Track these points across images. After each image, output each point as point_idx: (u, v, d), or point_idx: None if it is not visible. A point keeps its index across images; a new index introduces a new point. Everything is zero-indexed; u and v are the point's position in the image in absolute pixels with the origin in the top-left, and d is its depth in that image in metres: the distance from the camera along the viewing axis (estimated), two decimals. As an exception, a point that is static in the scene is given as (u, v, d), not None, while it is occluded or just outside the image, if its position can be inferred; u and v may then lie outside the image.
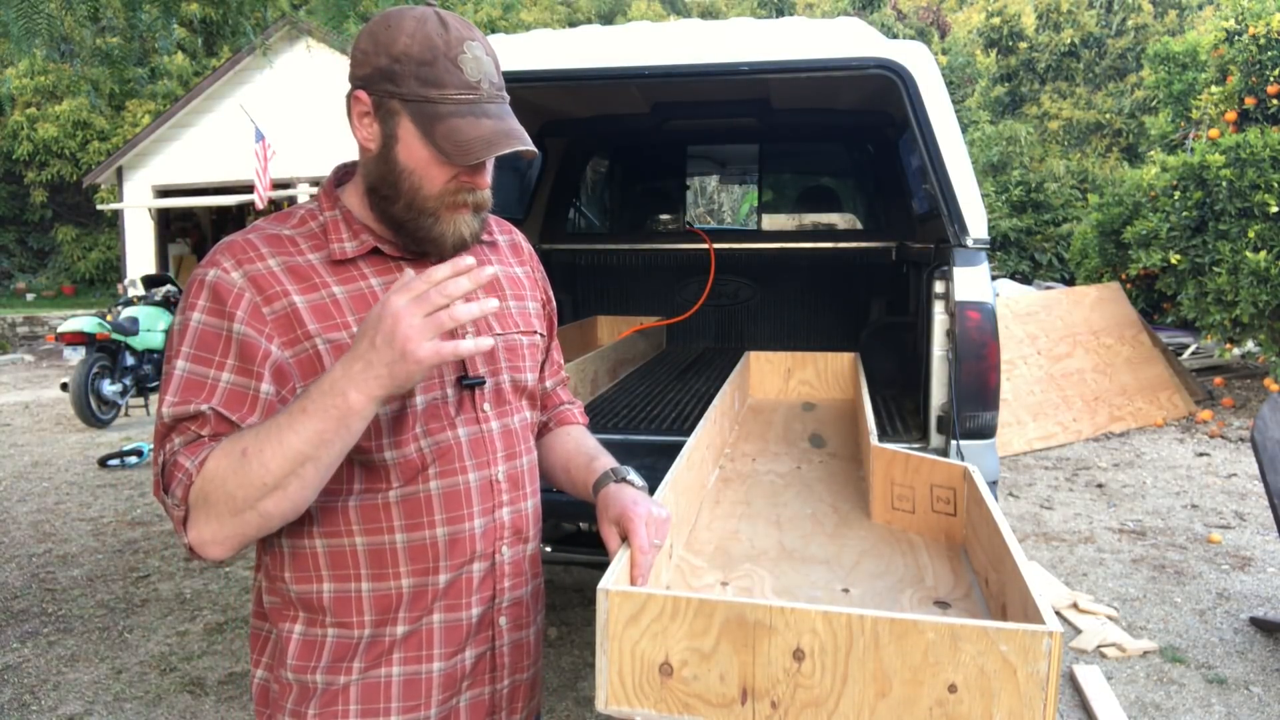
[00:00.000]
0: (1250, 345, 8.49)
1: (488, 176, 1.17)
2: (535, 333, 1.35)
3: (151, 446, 7.17)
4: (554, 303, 1.47)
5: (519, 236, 1.44)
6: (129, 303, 8.77)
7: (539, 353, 1.36)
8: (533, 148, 1.14)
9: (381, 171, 1.15)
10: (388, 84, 1.12)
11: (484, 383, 1.23)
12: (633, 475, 1.30)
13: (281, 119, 14.03)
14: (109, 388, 7.90)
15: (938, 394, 2.66)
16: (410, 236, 1.18)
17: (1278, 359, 7.54)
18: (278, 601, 1.20)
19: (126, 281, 12.81)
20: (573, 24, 21.82)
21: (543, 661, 1.39)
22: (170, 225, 17.14)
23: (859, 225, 5.15)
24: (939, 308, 2.64)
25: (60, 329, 7.84)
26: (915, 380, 3.08)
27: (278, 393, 1.11)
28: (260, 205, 12.76)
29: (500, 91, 1.15)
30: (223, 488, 1.03)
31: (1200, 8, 18.57)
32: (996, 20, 19.16)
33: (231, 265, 1.12)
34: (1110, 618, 3.81)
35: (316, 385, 1.03)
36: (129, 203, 15.96)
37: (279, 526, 1.08)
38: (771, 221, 5.49)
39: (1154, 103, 13.17)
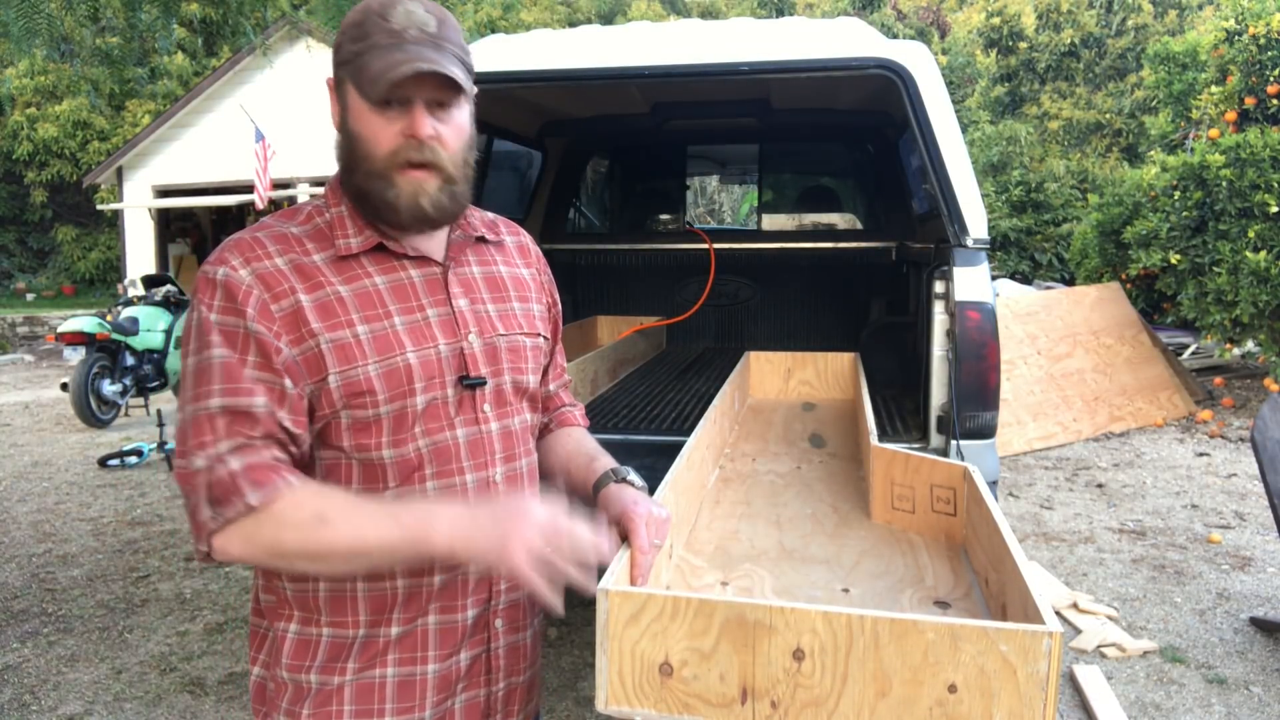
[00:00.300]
0: (1250, 345, 8.49)
1: (426, 125, 1.12)
2: (538, 335, 1.34)
3: (152, 446, 7.12)
4: (559, 306, 1.46)
5: (528, 239, 1.43)
6: (129, 303, 8.76)
7: (541, 355, 1.35)
8: (452, 74, 1.11)
9: (343, 145, 1.17)
10: (335, 57, 1.16)
11: (485, 383, 1.22)
12: (633, 475, 1.30)
13: (281, 119, 14.03)
14: (109, 388, 7.90)
15: (938, 394, 2.66)
16: (373, 208, 1.17)
17: (1278, 359, 7.54)
18: (273, 600, 1.20)
19: (126, 281, 12.81)
20: (573, 24, 21.82)
21: (541, 663, 1.38)
22: (170, 225, 17.15)
23: (859, 225, 5.15)
24: (939, 308, 2.64)
25: (60, 329, 7.83)
26: (915, 380, 3.08)
27: (298, 390, 1.12)
28: (260, 205, 12.76)
29: (435, 40, 1.12)
30: (277, 534, 1.06)
31: (1200, 8, 18.57)
32: (996, 20, 19.15)
33: (240, 263, 1.12)
34: (1110, 618, 3.81)
35: (423, 506, 1.10)
36: (129, 203, 15.96)
37: None
38: (771, 221, 5.49)
39: (1154, 103, 13.17)
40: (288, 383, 1.10)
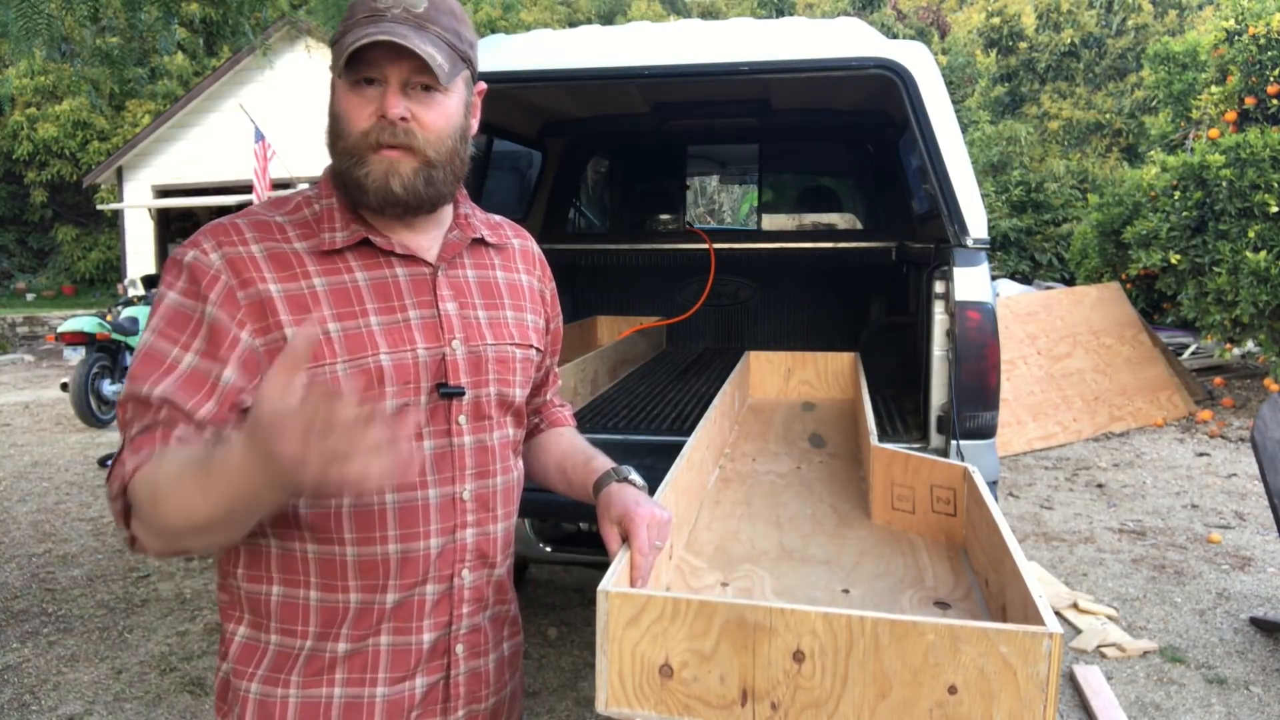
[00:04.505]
0: (1250, 345, 8.49)
1: (396, 105, 1.09)
2: (530, 346, 1.28)
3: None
4: (560, 319, 1.41)
5: (534, 246, 1.37)
6: (129, 303, 8.76)
7: (532, 368, 1.29)
8: (421, 50, 1.06)
9: (328, 128, 1.15)
10: (332, 45, 1.15)
11: (463, 394, 1.17)
12: (634, 475, 1.28)
13: (281, 119, 14.03)
14: (109, 388, 7.90)
15: (938, 394, 2.66)
16: (348, 190, 1.14)
17: (1278, 359, 7.54)
18: (227, 599, 1.17)
19: (126, 281, 12.80)
20: (573, 24, 21.82)
21: (517, 689, 1.32)
22: (170, 225, 17.13)
23: (859, 225, 5.15)
24: (939, 308, 2.64)
25: (60, 329, 7.84)
26: (915, 380, 3.07)
27: (243, 382, 1.06)
28: (260, 205, 12.76)
29: (419, 19, 1.09)
30: (146, 509, 0.98)
31: (1200, 8, 18.58)
32: (996, 20, 19.17)
33: (211, 246, 1.10)
34: (1110, 618, 3.81)
35: (231, 449, 0.87)
36: (129, 203, 15.96)
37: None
38: (771, 221, 5.48)
39: (1154, 103, 13.17)
40: (226, 373, 1.05)
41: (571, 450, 1.38)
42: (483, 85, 1.23)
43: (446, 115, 1.13)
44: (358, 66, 1.09)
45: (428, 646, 1.16)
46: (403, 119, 1.09)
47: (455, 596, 1.18)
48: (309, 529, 1.11)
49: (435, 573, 1.16)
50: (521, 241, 1.35)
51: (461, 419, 1.18)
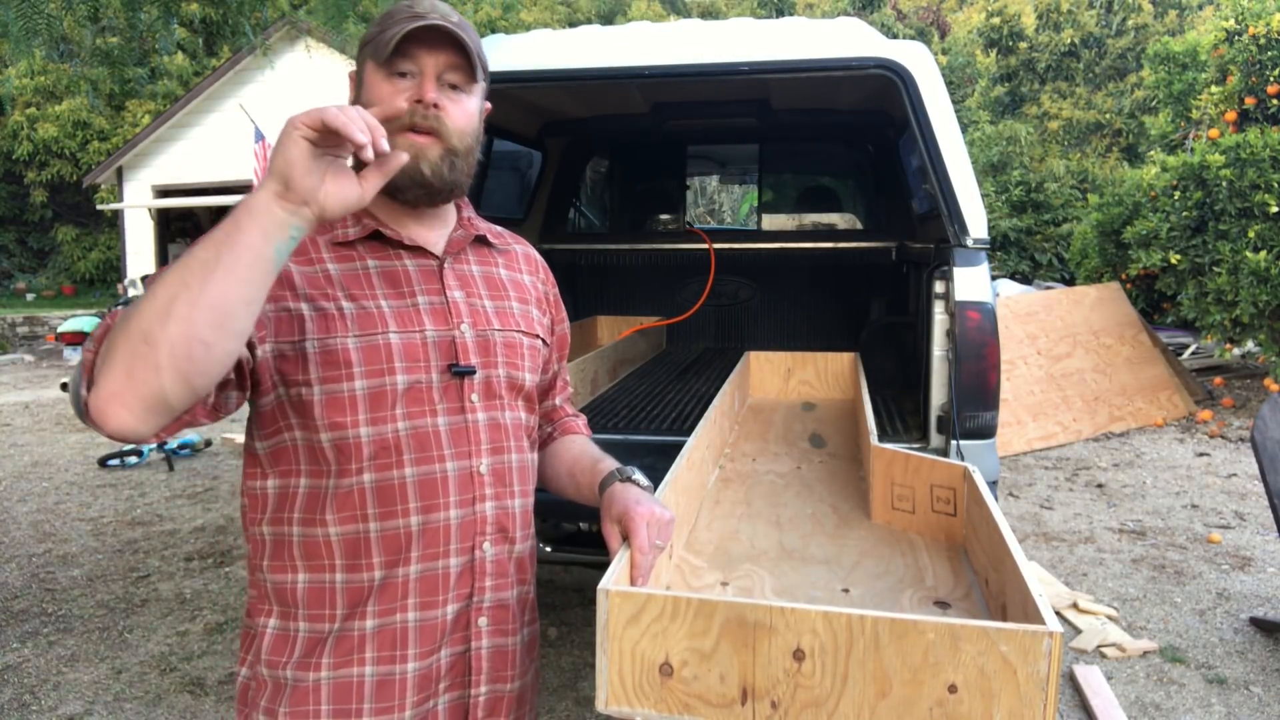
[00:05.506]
0: (1250, 345, 8.50)
1: (433, 91, 1.16)
2: (536, 335, 1.34)
3: (152, 446, 7.12)
4: (566, 324, 1.47)
5: (535, 253, 1.45)
6: (129, 303, 8.76)
7: (539, 356, 1.35)
8: (463, 40, 1.15)
9: None
10: (359, 46, 1.21)
11: (474, 372, 1.22)
12: (638, 475, 1.30)
13: (281, 119, 14.00)
14: (109, 388, 7.90)
15: (938, 394, 2.66)
16: None
17: (1278, 359, 7.54)
18: (255, 595, 1.21)
19: (126, 281, 12.82)
20: (573, 24, 21.82)
21: (536, 677, 1.34)
22: (170, 225, 17.15)
23: (859, 225, 5.15)
24: (939, 308, 2.64)
25: (60, 329, 7.86)
26: (915, 380, 3.08)
27: (255, 333, 1.09)
28: (260, 205, 12.75)
29: (455, 25, 1.17)
30: (125, 316, 0.93)
31: (1200, 8, 18.59)
32: (996, 20, 19.16)
33: None
34: (1110, 618, 3.81)
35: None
36: (129, 203, 15.96)
37: (172, 387, 0.92)
38: (771, 221, 5.49)
39: (1154, 103, 13.17)
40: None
41: (581, 455, 1.41)
42: (488, 105, 1.31)
43: (468, 114, 1.21)
44: (395, 59, 1.15)
45: (451, 619, 1.20)
46: (435, 105, 1.16)
47: (477, 569, 1.22)
48: (333, 511, 1.15)
49: (456, 544, 1.20)
50: (523, 248, 1.43)
51: (474, 397, 1.23)
